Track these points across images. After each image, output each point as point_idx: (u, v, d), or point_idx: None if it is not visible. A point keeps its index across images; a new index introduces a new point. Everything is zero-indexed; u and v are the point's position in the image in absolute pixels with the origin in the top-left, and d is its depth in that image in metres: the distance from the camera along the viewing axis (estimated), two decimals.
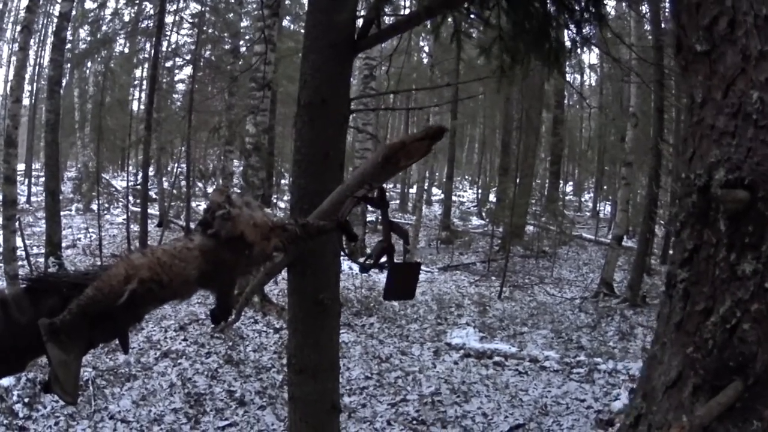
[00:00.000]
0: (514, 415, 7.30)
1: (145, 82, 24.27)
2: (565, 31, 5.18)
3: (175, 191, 19.63)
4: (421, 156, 2.25)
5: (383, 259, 2.51)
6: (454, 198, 27.65)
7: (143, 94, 25.25)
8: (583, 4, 4.91)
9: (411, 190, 30.96)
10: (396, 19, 5.42)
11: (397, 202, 29.95)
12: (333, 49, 4.33)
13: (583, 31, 5.21)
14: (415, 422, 7.01)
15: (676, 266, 1.38)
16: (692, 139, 1.33)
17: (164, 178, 20.72)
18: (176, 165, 20.57)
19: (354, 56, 4.73)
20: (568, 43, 5.41)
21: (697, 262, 1.28)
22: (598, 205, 32.70)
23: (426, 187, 27.63)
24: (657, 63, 12.46)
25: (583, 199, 38.13)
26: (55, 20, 14.94)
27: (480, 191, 35.03)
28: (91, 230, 16.14)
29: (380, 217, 2.30)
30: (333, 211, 2.31)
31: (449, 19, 5.64)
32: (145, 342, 8.54)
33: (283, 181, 27.09)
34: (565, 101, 25.97)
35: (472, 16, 5.34)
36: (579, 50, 5.52)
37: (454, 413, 7.28)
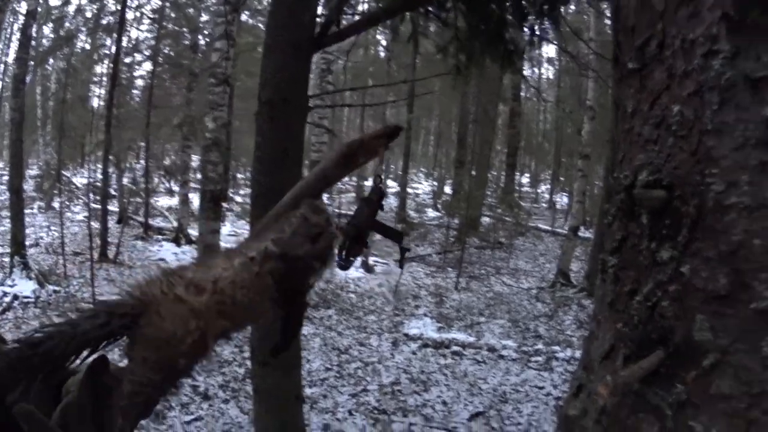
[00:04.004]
0: (473, 403, 7.40)
1: (105, 79, 24.05)
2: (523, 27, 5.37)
3: (134, 187, 19.49)
4: (380, 153, 2.35)
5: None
6: (409, 190, 27.76)
7: (103, 91, 25.00)
8: (538, 8, 5.09)
9: (366, 183, 31.06)
10: (356, 19, 5.52)
11: (353, 195, 30.00)
12: (294, 47, 4.40)
13: (538, 33, 5.40)
14: (376, 412, 7.07)
15: (607, 254, 1.57)
16: (623, 144, 1.53)
17: (123, 175, 20.53)
18: (135, 161, 20.41)
19: (313, 54, 4.82)
20: (523, 43, 5.59)
21: (625, 250, 1.48)
22: (554, 196, 33.05)
23: (382, 179, 27.70)
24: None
25: (539, 191, 38.52)
26: (21, 18, 14.74)
27: (435, 183, 35.23)
28: (53, 228, 15.97)
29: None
30: (293, 207, 2.42)
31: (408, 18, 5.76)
32: None
33: (239, 175, 26.98)
34: (522, 93, 26.19)
35: (430, 16, 5.45)
36: (534, 50, 5.72)
37: (414, 402, 7.38)
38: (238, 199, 24.15)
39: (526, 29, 5.37)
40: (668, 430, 1.37)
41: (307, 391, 7.36)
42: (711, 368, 1.28)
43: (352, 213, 2.04)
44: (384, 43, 24.04)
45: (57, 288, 10.79)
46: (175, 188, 19.86)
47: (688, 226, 1.30)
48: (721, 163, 1.25)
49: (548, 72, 35.18)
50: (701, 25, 1.30)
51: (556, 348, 9.44)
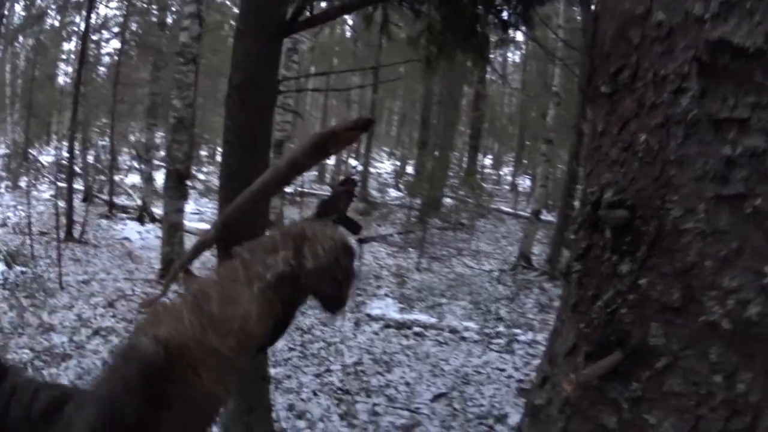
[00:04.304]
0: (436, 384, 7.48)
1: (72, 56, 23.69)
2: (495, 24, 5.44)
3: (99, 165, 19.30)
4: (350, 143, 2.42)
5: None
6: (371, 169, 27.74)
7: (70, 68, 24.59)
8: (512, 8, 5.18)
9: (328, 162, 30.92)
10: (329, 5, 5.54)
11: (315, 173, 29.86)
12: (265, 32, 4.43)
13: (510, 27, 5.48)
14: (340, 392, 7.13)
15: (572, 259, 1.71)
16: (591, 160, 1.66)
17: (89, 153, 20.29)
18: (100, 139, 20.18)
19: (284, 38, 4.85)
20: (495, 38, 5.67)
21: (589, 258, 1.61)
22: (516, 178, 33.17)
23: (344, 159, 27.69)
24: (584, 47, 12.46)
25: (501, 173, 38.65)
26: None
27: (398, 163, 35.22)
28: (19, 207, 15.74)
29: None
30: (264, 193, 2.44)
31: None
32: (77, 320, 8.40)
33: (202, 153, 26.75)
34: (487, 76, 26.16)
35: (403, 7, 5.47)
36: (505, 44, 5.79)
37: (378, 383, 7.45)
38: (201, 176, 23.96)
39: (497, 23, 5.43)
40: (625, 421, 1.51)
41: (272, 371, 7.32)
42: (663, 369, 1.42)
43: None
44: (351, 22, 23.94)
45: (24, 269, 10.65)
46: (141, 166, 19.68)
47: (647, 244, 1.43)
48: (681, 191, 1.38)
49: (514, 56, 35.19)
50: (674, 62, 1.42)
51: (518, 331, 9.54)
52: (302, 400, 6.80)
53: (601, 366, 1.50)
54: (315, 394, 7.00)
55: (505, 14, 5.30)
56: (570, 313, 1.72)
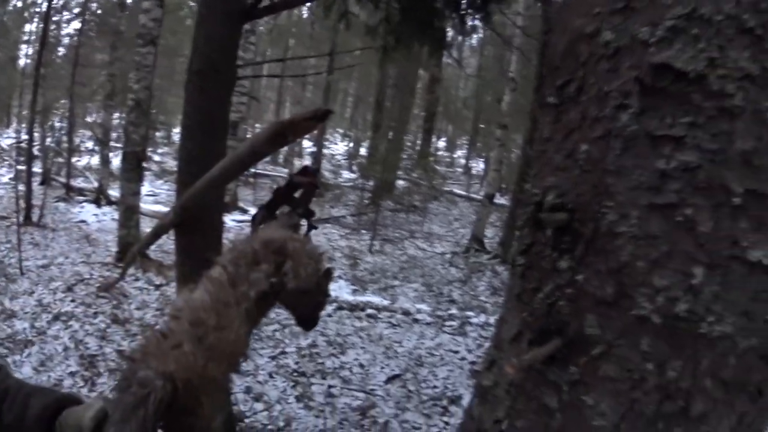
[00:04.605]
0: (390, 366, 7.60)
1: (34, 37, 23.25)
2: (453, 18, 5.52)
3: (57, 148, 19.02)
4: (308, 132, 2.47)
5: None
6: (325, 151, 27.69)
7: (31, 50, 24.10)
8: (469, 2, 5.27)
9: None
10: None
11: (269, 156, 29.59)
12: (227, 17, 4.50)
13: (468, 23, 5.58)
14: (295, 374, 7.20)
15: (517, 253, 1.85)
16: (537, 163, 1.79)
17: (47, 134, 19.96)
18: (59, 121, 19.85)
19: (244, 24, 4.89)
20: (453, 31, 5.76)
21: (531, 254, 1.73)
22: (470, 161, 33.40)
23: (298, 140, 27.56)
24: (541, 34, 12.43)
25: (455, 155, 38.88)
26: None
27: (352, 145, 35.22)
28: None
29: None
30: (223, 179, 2.44)
31: None
32: (37, 305, 8.32)
33: (158, 134, 26.43)
34: (444, 59, 26.22)
35: None
36: (465, 35, 5.88)
37: (332, 364, 7.54)
38: (157, 158, 23.70)
39: (454, 17, 5.52)
40: (565, 402, 1.65)
41: None
42: (599, 356, 1.56)
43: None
44: (309, 3, 23.78)
45: None
46: (97, 148, 19.43)
47: (584, 244, 1.57)
48: (617, 198, 1.52)
49: (471, 40, 35.12)
50: (617, 80, 1.54)
51: (470, 313, 9.69)
52: (259, 382, 6.84)
53: (541, 352, 1.64)
54: (271, 376, 7.04)
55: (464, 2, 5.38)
56: (515, 303, 1.85)
